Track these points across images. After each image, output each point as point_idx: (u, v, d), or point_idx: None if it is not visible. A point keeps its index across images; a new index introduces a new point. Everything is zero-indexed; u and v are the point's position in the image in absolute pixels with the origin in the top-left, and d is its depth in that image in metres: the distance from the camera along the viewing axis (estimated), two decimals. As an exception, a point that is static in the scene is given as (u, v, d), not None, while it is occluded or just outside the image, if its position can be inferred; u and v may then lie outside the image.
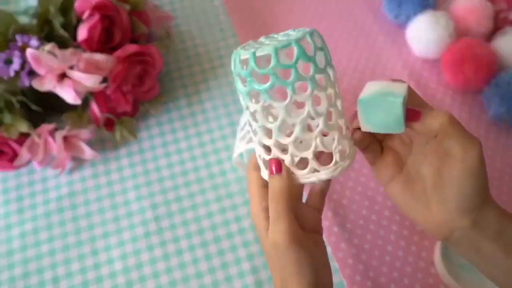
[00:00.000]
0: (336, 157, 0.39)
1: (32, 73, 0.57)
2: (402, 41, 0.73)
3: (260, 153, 0.41)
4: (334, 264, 0.57)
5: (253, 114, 0.39)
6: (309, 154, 0.38)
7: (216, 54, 0.74)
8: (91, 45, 0.60)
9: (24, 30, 0.59)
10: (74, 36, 0.60)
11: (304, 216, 0.43)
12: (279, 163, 0.39)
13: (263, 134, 0.40)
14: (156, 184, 0.63)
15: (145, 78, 0.64)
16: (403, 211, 0.42)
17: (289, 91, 0.36)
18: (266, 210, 0.41)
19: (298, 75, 0.36)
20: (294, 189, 0.39)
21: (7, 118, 0.59)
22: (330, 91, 0.38)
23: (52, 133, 0.61)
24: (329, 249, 0.58)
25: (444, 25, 0.67)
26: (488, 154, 0.64)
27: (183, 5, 0.79)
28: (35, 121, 0.61)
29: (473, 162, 0.36)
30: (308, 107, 0.37)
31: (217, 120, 0.68)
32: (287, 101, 0.37)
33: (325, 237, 0.58)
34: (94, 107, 0.61)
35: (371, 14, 0.77)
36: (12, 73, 0.56)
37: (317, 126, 0.38)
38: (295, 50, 0.36)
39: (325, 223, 0.59)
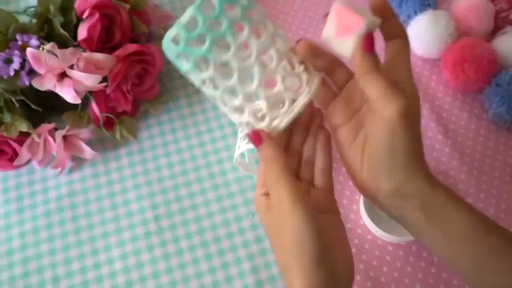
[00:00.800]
0: (303, 78, 0.38)
1: (32, 73, 0.56)
2: (403, 41, 0.73)
3: (241, 122, 0.40)
4: (334, 264, 0.57)
5: (212, 82, 0.38)
6: (279, 87, 0.37)
7: (216, 53, 0.73)
8: (91, 44, 0.59)
9: (24, 30, 0.59)
10: (74, 36, 0.60)
11: (313, 199, 0.41)
12: (257, 135, 0.38)
13: (230, 96, 0.38)
14: (156, 184, 0.63)
15: (145, 77, 0.64)
16: (343, 163, 0.40)
17: (229, 38, 0.35)
18: (266, 194, 0.40)
19: (228, 19, 0.35)
20: (282, 154, 0.38)
21: (7, 117, 0.59)
22: (267, 22, 0.37)
23: (52, 132, 0.61)
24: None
25: (444, 24, 0.67)
26: (488, 154, 0.64)
27: (183, 4, 0.78)
28: (35, 120, 0.61)
29: (392, 119, 0.33)
30: (253, 44, 0.36)
31: (217, 119, 0.68)
32: (232, 48, 0.35)
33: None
34: (94, 106, 0.61)
35: (372, 13, 0.77)
36: (12, 73, 0.56)
37: (272, 59, 0.37)
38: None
39: (325, 223, 0.59)
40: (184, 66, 0.38)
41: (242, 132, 0.40)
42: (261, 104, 0.38)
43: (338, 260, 0.37)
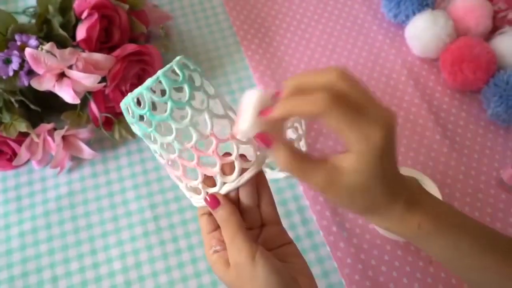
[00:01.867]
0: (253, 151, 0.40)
1: (31, 73, 0.57)
2: (401, 41, 0.74)
3: (191, 187, 0.42)
4: (333, 263, 0.57)
5: (168, 147, 0.41)
6: (233, 157, 0.40)
7: (215, 53, 0.74)
8: (90, 44, 0.60)
9: (23, 30, 0.59)
10: (73, 36, 0.60)
11: (269, 237, 0.42)
12: (214, 198, 0.40)
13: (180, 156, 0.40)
14: (155, 184, 0.63)
15: (144, 77, 0.64)
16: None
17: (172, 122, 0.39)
18: (216, 252, 0.41)
19: (175, 101, 0.39)
20: (237, 212, 0.40)
21: (6, 117, 0.59)
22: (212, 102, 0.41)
23: (51, 132, 0.61)
24: (327, 249, 0.58)
25: (443, 24, 0.67)
26: (486, 153, 0.64)
27: (182, 4, 0.79)
28: (34, 120, 0.61)
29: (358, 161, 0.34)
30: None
31: (216, 119, 0.68)
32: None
33: (323, 236, 0.58)
34: (93, 106, 0.61)
35: (370, 13, 0.77)
36: (11, 73, 0.56)
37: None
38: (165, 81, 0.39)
39: (323, 223, 0.59)
40: (144, 129, 0.40)
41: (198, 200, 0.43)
42: (214, 170, 0.40)
43: (303, 285, 0.39)
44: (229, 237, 0.39)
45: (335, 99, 0.33)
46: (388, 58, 0.73)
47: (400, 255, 0.57)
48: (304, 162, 0.36)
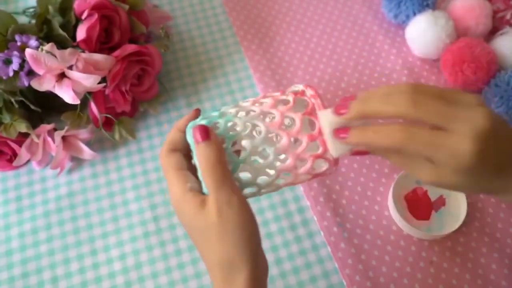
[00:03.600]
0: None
1: (31, 73, 0.57)
2: (402, 41, 0.73)
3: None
4: (333, 264, 0.57)
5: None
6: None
7: (215, 54, 0.74)
8: (90, 45, 0.60)
9: (23, 30, 0.59)
10: (73, 36, 0.60)
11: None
12: (205, 130, 0.38)
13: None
14: (155, 184, 0.63)
15: (144, 78, 0.64)
16: None
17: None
18: (193, 189, 0.39)
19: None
20: (224, 156, 0.39)
21: (6, 118, 0.59)
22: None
23: (51, 133, 0.61)
24: (328, 249, 0.58)
25: (443, 25, 0.67)
26: (487, 154, 0.64)
27: (182, 5, 0.78)
28: (34, 121, 0.61)
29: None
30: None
31: (216, 120, 0.68)
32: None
33: (324, 237, 0.58)
34: (93, 107, 0.61)
35: (371, 13, 0.77)
36: (11, 73, 0.56)
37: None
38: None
39: (324, 223, 0.59)
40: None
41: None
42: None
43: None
44: (216, 182, 0.37)
45: (411, 132, 0.34)
46: (389, 59, 0.72)
47: (401, 256, 0.57)
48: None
